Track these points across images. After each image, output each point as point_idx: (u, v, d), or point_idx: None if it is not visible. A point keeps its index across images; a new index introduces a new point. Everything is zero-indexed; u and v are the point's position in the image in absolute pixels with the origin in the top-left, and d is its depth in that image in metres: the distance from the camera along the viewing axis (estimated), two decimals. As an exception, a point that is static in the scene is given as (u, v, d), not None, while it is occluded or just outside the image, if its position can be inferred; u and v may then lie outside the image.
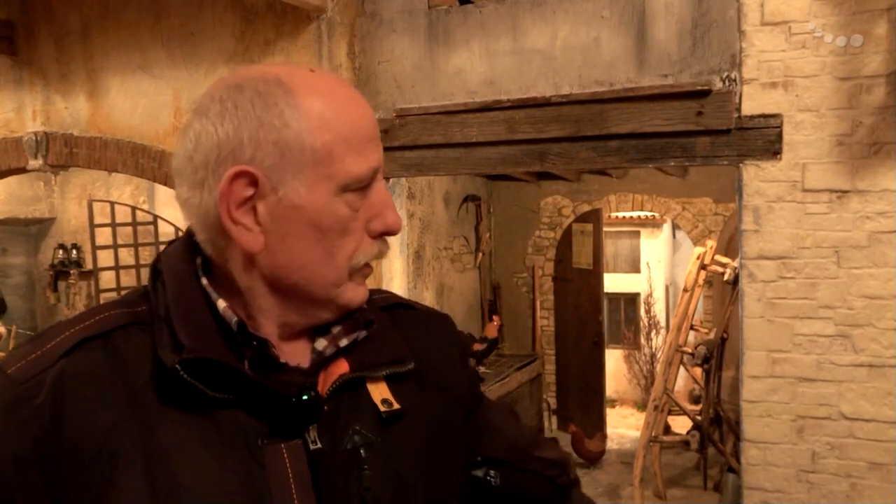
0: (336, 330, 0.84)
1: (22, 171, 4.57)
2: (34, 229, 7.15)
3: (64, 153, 4.32)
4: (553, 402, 7.49)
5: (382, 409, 0.83)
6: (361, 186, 0.79)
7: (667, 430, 7.06)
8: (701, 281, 5.09)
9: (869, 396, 2.91)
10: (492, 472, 1.01)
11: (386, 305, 0.93)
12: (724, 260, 4.76)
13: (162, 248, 0.88)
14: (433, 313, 0.99)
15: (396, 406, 0.84)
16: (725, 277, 4.67)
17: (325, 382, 0.82)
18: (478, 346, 6.07)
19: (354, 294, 0.82)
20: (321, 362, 0.83)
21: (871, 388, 2.90)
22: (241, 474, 0.74)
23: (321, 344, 0.83)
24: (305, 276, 0.79)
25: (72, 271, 6.96)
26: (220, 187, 0.75)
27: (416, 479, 0.84)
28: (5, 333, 5.84)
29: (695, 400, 7.78)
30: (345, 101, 0.79)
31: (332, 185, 0.77)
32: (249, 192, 0.76)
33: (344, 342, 0.84)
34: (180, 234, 0.99)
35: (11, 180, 5.77)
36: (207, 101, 0.78)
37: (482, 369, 6.02)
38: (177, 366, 0.73)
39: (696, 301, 5.13)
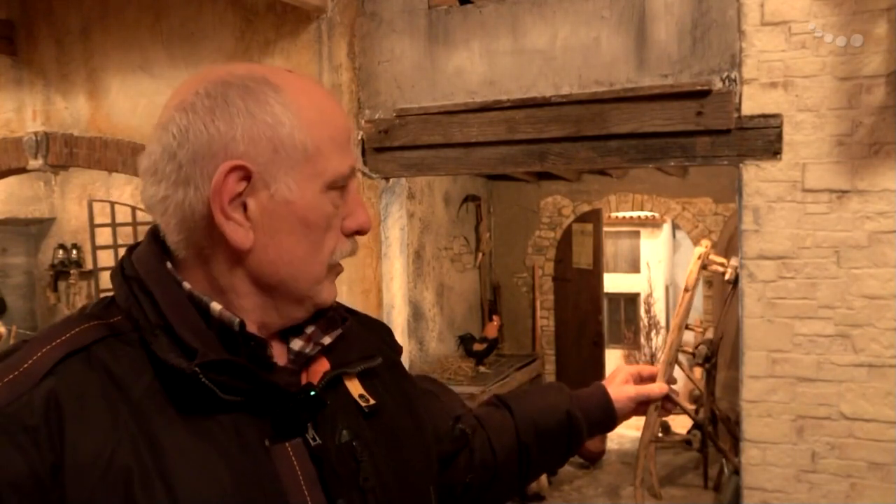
0: (310, 330, 0.86)
1: (22, 171, 4.57)
2: (34, 229, 7.15)
3: (64, 153, 4.32)
4: (553, 402, 7.48)
5: (362, 403, 0.86)
6: (342, 184, 0.82)
7: (667, 429, 7.07)
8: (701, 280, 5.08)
9: (869, 396, 2.91)
10: (460, 426, 1.09)
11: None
12: (720, 259, 4.76)
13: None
14: (370, 316, 1.04)
15: (373, 402, 0.87)
16: (726, 277, 4.66)
17: (308, 380, 0.84)
18: (478, 346, 6.06)
19: (329, 293, 0.85)
20: (305, 361, 0.85)
21: (871, 388, 2.90)
22: (256, 476, 0.75)
23: (297, 344, 0.85)
24: (291, 273, 0.80)
25: (72, 271, 6.96)
26: (215, 181, 0.75)
27: (400, 467, 0.87)
28: (5, 333, 5.84)
29: (695, 400, 7.77)
30: (327, 102, 0.82)
31: (320, 182, 0.79)
32: (241, 187, 0.76)
33: (327, 340, 0.86)
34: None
35: (11, 180, 5.77)
36: (191, 97, 0.78)
37: (482, 369, 6.02)
38: (196, 369, 0.72)
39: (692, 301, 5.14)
